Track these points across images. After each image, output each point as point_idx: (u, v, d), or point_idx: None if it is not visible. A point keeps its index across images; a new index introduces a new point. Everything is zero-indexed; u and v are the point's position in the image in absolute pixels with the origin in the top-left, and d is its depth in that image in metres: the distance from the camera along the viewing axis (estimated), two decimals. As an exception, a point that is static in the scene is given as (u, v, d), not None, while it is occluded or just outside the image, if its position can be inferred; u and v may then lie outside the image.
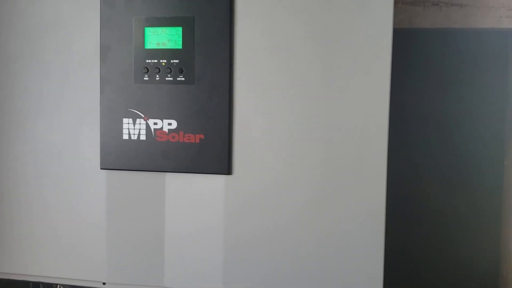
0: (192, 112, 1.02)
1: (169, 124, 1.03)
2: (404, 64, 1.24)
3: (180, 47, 1.01)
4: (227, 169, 1.02)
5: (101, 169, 1.06)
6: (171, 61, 1.02)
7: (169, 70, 1.02)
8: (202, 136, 1.02)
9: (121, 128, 1.05)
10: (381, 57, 0.96)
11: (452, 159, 1.27)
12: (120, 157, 1.05)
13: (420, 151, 1.29)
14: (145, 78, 1.03)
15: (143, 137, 1.04)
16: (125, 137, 1.05)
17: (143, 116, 1.04)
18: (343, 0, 0.96)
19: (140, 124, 1.04)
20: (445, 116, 1.26)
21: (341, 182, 0.98)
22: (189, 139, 1.02)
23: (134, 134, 1.04)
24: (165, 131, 1.03)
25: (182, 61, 1.02)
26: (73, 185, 1.08)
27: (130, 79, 1.04)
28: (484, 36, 1.19)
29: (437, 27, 1.16)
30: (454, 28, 1.15)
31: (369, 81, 0.96)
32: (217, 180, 1.03)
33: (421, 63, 1.24)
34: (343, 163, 0.98)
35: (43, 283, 1.13)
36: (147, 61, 1.03)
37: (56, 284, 1.12)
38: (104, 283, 1.09)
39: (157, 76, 1.03)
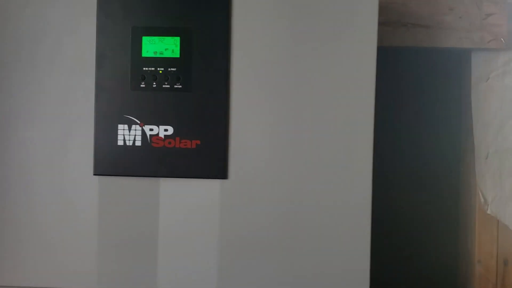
0: (189, 118, 1.05)
1: (165, 130, 1.06)
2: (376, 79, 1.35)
3: (178, 55, 1.05)
4: (223, 174, 1.06)
5: (94, 175, 1.07)
6: (169, 69, 1.05)
7: (167, 78, 1.05)
8: (198, 142, 1.06)
9: (116, 134, 1.06)
10: (366, 73, 1.05)
11: (416, 166, 1.39)
12: (114, 163, 1.06)
13: (384, 158, 1.40)
14: (141, 86, 1.06)
15: (138, 143, 1.06)
16: (120, 143, 1.06)
17: (138, 122, 1.06)
18: (333, 22, 1.05)
19: (135, 130, 1.06)
20: (411, 126, 1.39)
21: (330, 186, 1.05)
22: (185, 145, 1.06)
23: (129, 140, 1.06)
24: (161, 137, 1.06)
25: (179, 70, 1.05)
26: (64, 191, 1.08)
27: (126, 86, 1.06)
28: (447, 54, 1.33)
29: (405, 45, 1.28)
30: (420, 46, 1.28)
31: (355, 95, 1.05)
32: (213, 185, 1.07)
33: (391, 78, 1.36)
34: (332, 168, 1.05)
35: (28, 294, 1.10)
36: (144, 69, 1.06)
37: (43, 294, 1.10)
38: (94, 291, 1.09)
39: (154, 83, 1.06)
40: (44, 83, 1.07)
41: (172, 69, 1.06)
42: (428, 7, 1.28)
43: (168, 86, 1.06)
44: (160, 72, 1.06)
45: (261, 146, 1.06)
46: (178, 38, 1.05)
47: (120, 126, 1.06)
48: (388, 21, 1.28)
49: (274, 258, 1.07)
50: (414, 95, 1.40)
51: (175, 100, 1.06)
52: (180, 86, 1.05)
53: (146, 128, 1.06)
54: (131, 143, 1.06)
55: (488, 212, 1.31)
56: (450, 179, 1.42)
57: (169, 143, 1.06)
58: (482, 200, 1.31)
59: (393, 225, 1.44)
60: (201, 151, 1.06)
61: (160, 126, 1.06)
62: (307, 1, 1.05)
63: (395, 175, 1.44)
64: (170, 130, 1.06)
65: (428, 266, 1.43)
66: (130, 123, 1.06)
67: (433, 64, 1.38)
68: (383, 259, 1.42)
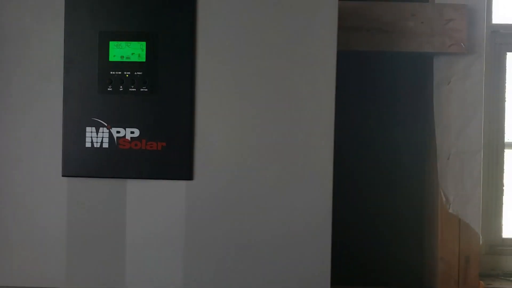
0: (155, 121, 1.08)
1: (132, 132, 1.09)
2: (342, 81, 1.39)
3: (144, 60, 1.08)
4: (188, 175, 1.09)
5: (63, 176, 1.09)
6: (135, 73, 1.08)
7: (133, 81, 1.08)
8: (164, 144, 1.09)
9: (84, 137, 1.09)
10: (327, 76, 1.08)
11: (382, 166, 1.44)
12: (82, 164, 1.09)
13: (350, 160, 1.44)
14: (109, 89, 1.08)
15: (105, 145, 1.09)
16: (88, 145, 1.09)
17: (106, 125, 1.09)
18: (294, 26, 1.08)
19: (103, 132, 1.09)
20: (377, 128, 1.43)
21: (292, 186, 1.09)
22: (151, 147, 1.09)
23: (97, 142, 1.09)
24: (127, 139, 1.09)
25: (145, 73, 1.08)
26: (33, 191, 1.10)
27: (94, 89, 1.08)
28: (410, 58, 1.38)
29: (370, 49, 1.32)
30: (385, 51, 1.33)
31: (316, 96, 1.08)
32: (179, 185, 1.10)
33: (357, 81, 1.41)
34: (294, 169, 1.09)
35: (-2, 293, 1.12)
36: (111, 72, 1.08)
37: (12, 293, 1.12)
38: (63, 290, 1.11)
39: (121, 87, 1.08)
40: (12, 86, 1.10)
41: (138, 73, 1.08)
42: (392, 13, 1.32)
43: (135, 89, 1.08)
44: (127, 76, 1.08)
45: (226, 148, 1.09)
46: (144, 43, 1.08)
47: (88, 129, 1.09)
48: (354, 26, 1.32)
49: (238, 257, 1.10)
50: (379, 97, 1.44)
51: (141, 103, 1.08)
52: (146, 90, 1.08)
53: (113, 130, 1.09)
54: (98, 145, 1.09)
55: (450, 211, 1.35)
56: (415, 179, 1.46)
57: (136, 145, 1.09)
58: (444, 199, 1.35)
59: (362, 225, 1.47)
60: (167, 152, 1.09)
61: (127, 129, 1.09)
62: (269, 6, 1.08)
63: (363, 175, 1.48)
64: (137, 132, 1.09)
65: (397, 264, 1.47)
66: (97, 126, 1.09)
67: (398, 68, 1.42)
68: (353, 258, 1.46)
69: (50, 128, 1.09)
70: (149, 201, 1.10)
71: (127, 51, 1.09)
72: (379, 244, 1.47)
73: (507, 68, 1.50)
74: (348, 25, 1.31)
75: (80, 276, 1.10)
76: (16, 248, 1.11)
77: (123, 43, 1.09)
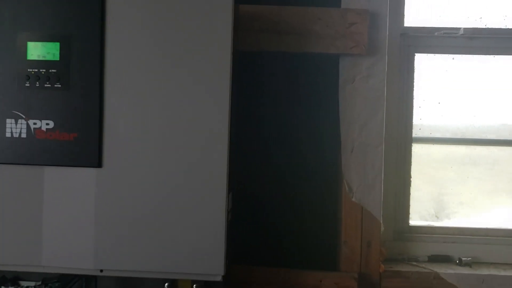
0: (67, 114, 1.21)
1: (47, 124, 1.21)
2: (255, 81, 1.51)
3: (58, 59, 1.20)
4: (97, 163, 1.21)
5: (-15, 163, 1.22)
6: (50, 70, 1.21)
7: (48, 78, 1.20)
8: (76, 135, 1.21)
9: (4, 127, 1.21)
10: (223, 75, 1.20)
11: (293, 161, 1.54)
12: (3, 152, 1.21)
13: (265, 157, 1.54)
14: (26, 85, 1.21)
15: (24, 135, 1.21)
16: (8, 135, 1.21)
17: (24, 117, 1.21)
18: (194, 28, 1.20)
19: (21, 124, 1.21)
20: (287, 123, 1.53)
21: (191, 176, 1.21)
22: (64, 137, 1.21)
23: (16, 132, 1.21)
24: (43, 130, 1.21)
25: (59, 71, 1.20)
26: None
27: (13, 85, 1.21)
28: (316, 59, 1.49)
29: (280, 50, 1.44)
30: (292, 52, 1.44)
31: (212, 95, 1.20)
32: (89, 172, 1.22)
33: (269, 80, 1.52)
34: (194, 161, 1.20)
35: None
36: (28, 70, 1.21)
37: None
38: (-15, 266, 1.24)
39: (37, 83, 1.21)
40: None
41: (53, 70, 1.21)
42: (299, 16, 1.43)
43: (50, 85, 1.21)
44: (43, 73, 1.21)
45: (133, 138, 1.21)
46: (58, 44, 1.20)
47: (8, 120, 1.21)
48: (263, 28, 1.43)
49: (144, 236, 1.22)
50: (293, 96, 1.53)
51: (55, 97, 1.21)
52: (60, 86, 1.21)
53: (31, 122, 1.21)
54: (17, 135, 1.21)
55: (353, 199, 1.47)
56: (330, 170, 1.55)
57: (50, 135, 1.21)
58: (348, 189, 1.46)
59: (275, 216, 1.57)
60: (79, 142, 1.21)
61: (43, 121, 1.21)
62: (170, 11, 1.20)
63: (287, 166, 1.57)
64: (51, 124, 1.21)
65: (314, 247, 1.56)
66: (16, 118, 1.21)
67: (308, 68, 1.52)
68: (273, 240, 1.55)
69: (-25, 120, 1.22)
70: (63, 185, 1.22)
71: (43, 51, 1.21)
72: (298, 228, 1.55)
73: (415, 68, 1.61)
74: (258, 28, 1.43)
75: (1, 254, 1.23)
76: None
77: (39, 44, 1.21)
